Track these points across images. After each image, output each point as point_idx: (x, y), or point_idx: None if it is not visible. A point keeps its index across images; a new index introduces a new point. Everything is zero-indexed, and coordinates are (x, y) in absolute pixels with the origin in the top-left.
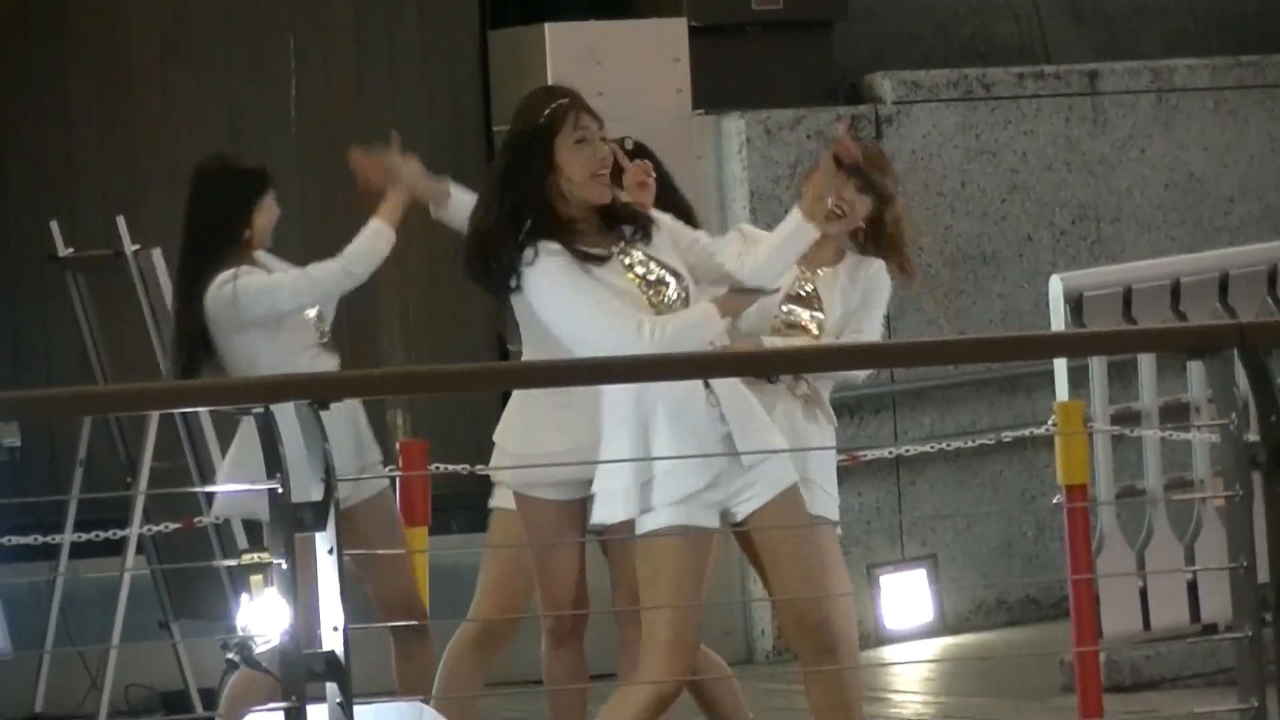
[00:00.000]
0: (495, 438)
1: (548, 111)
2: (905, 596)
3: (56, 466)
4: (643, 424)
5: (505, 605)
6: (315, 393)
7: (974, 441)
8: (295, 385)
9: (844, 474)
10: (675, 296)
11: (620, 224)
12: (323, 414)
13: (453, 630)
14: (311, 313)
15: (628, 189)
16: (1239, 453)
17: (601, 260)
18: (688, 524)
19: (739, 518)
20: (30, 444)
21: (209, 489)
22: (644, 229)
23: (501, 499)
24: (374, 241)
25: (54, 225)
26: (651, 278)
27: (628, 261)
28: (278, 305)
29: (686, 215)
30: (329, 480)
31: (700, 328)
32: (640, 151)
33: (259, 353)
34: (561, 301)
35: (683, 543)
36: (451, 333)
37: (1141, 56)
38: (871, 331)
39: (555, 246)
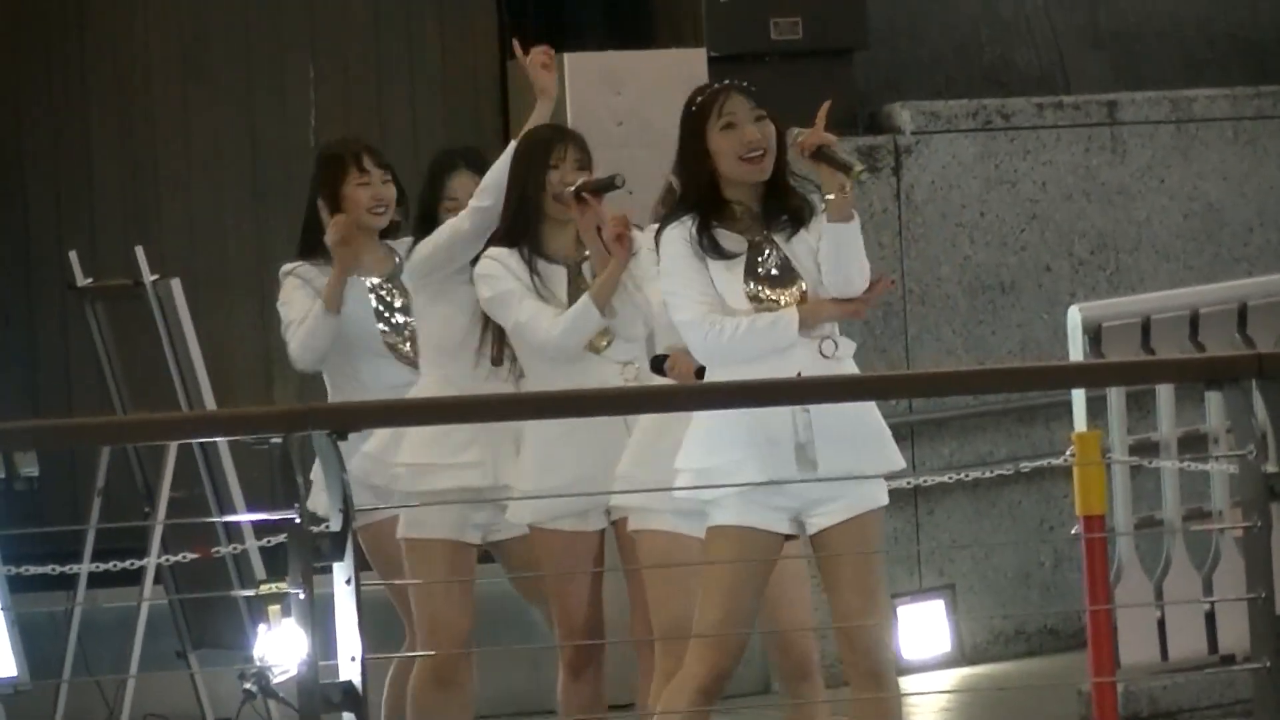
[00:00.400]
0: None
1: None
2: (923, 626)
3: (75, 496)
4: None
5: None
6: (335, 423)
7: (992, 472)
8: (315, 415)
9: None
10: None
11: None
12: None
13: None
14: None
15: (595, 239)
16: (1257, 483)
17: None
18: (748, 524)
19: (810, 531)
20: (49, 473)
21: (227, 519)
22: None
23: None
24: None
25: (73, 255)
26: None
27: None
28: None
29: None
30: (347, 510)
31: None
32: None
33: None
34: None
35: (739, 540)
36: None
37: (1161, 86)
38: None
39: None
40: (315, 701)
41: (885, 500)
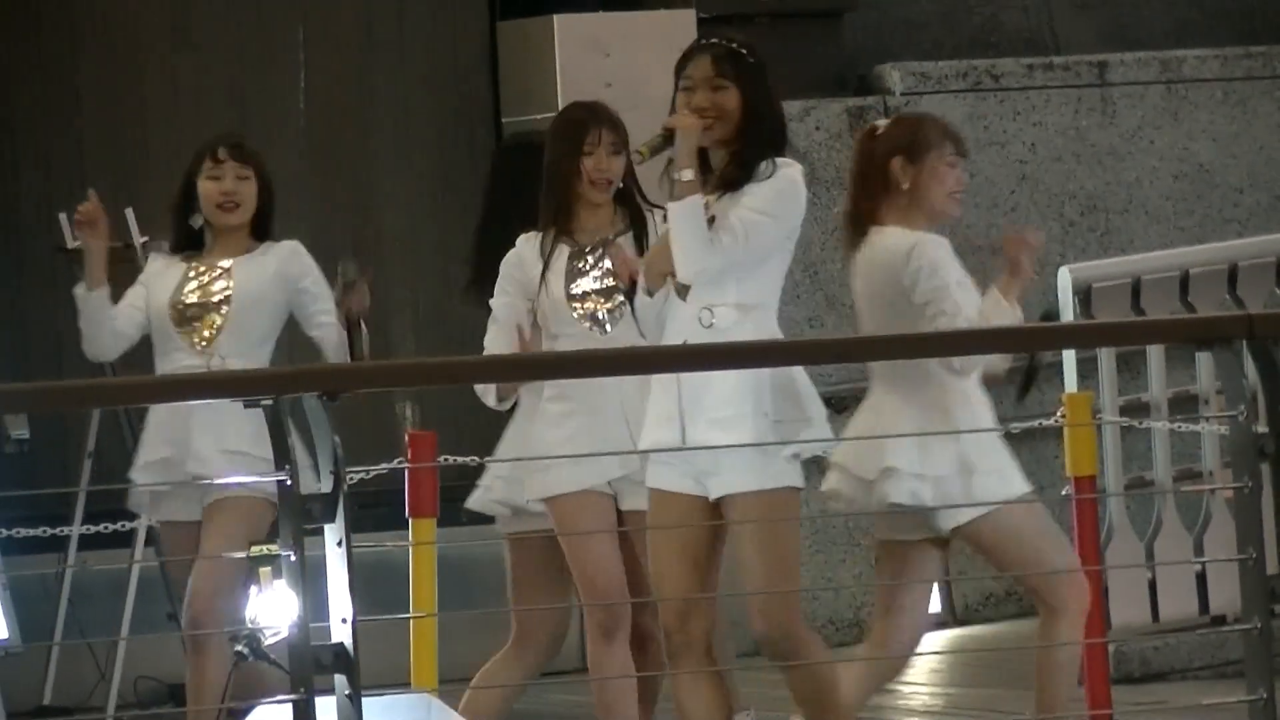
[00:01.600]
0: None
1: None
2: None
3: (65, 458)
4: None
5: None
6: (326, 384)
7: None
8: (307, 377)
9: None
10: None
11: None
12: None
13: (457, 623)
14: None
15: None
16: (1247, 444)
17: None
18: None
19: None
20: (39, 435)
21: (218, 481)
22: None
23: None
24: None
25: (62, 217)
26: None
27: None
28: None
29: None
30: (338, 472)
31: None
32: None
33: None
34: None
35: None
36: (459, 326)
37: (1150, 47)
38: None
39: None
40: (307, 664)
41: (787, 480)
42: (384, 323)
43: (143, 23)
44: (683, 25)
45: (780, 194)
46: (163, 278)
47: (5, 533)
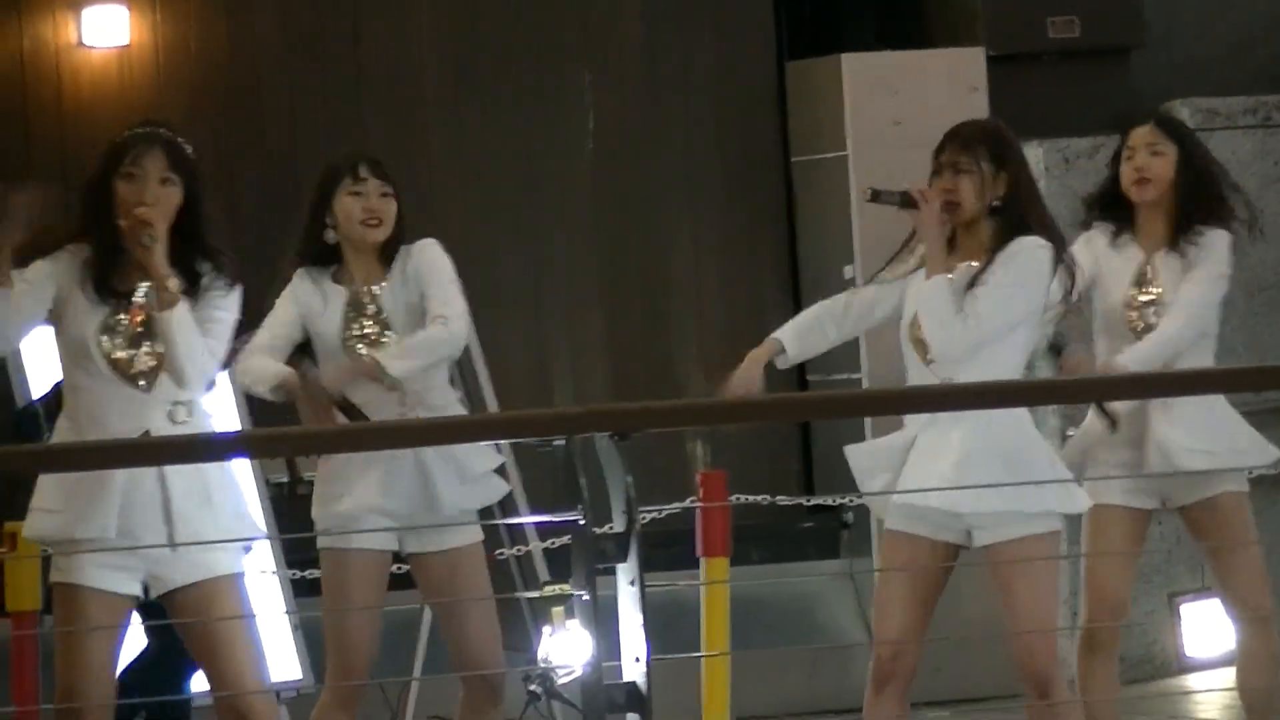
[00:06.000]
0: None
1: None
2: (1206, 625)
3: None
4: None
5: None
6: (618, 425)
7: (1252, 473)
8: (599, 417)
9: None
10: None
11: None
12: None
13: (749, 661)
14: None
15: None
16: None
17: None
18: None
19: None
20: None
21: (510, 521)
22: None
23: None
24: None
25: None
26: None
27: None
28: None
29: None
30: (630, 512)
31: None
32: None
33: None
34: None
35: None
36: None
37: None
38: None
39: None
40: (600, 703)
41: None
42: (672, 362)
43: (427, 71)
44: (971, 63)
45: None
46: (323, 307)
47: (299, 574)
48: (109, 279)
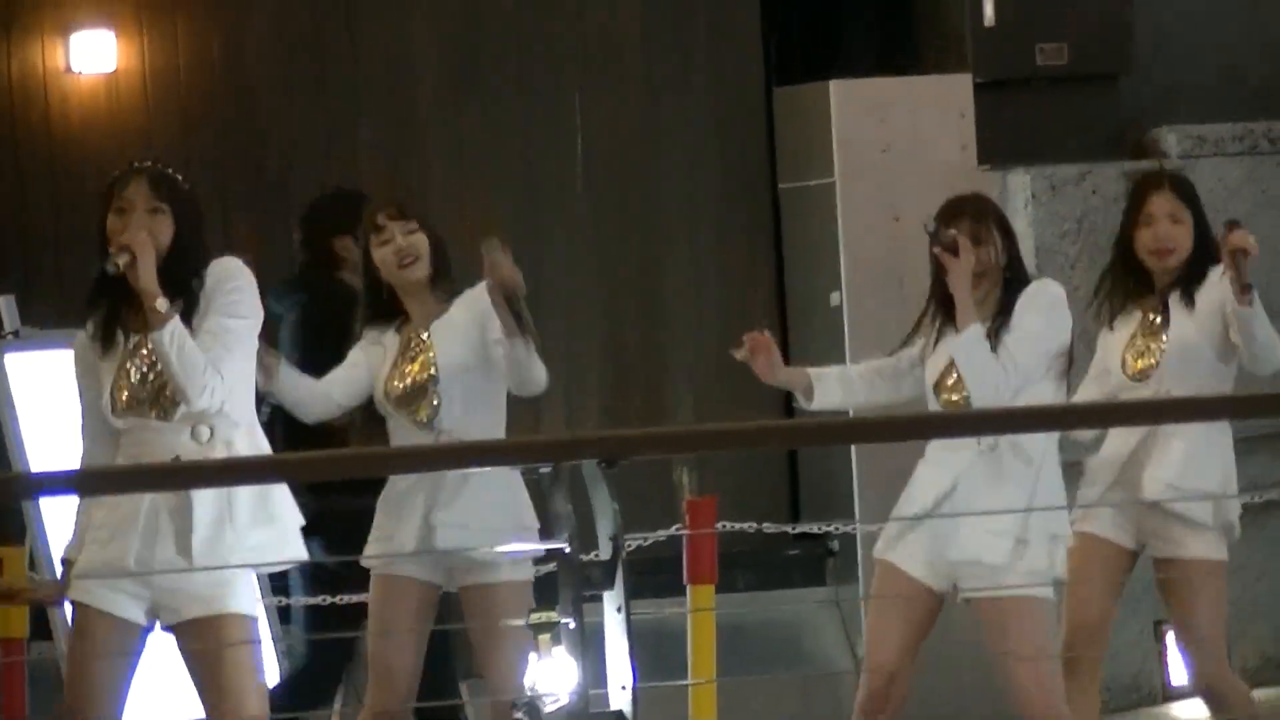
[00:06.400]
0: None
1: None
2: None
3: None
4: None
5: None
6: (604, 451)
7: (1260, 498)
8: (585, 444)
9: None
10: None
11: None
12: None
13: (736, 688)
14: None
15: None
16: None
17: None
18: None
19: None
20: None
21: (498, 549)
22: None
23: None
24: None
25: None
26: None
27: None
28: None
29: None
30: (617, 539)
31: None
32: None
33: None
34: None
35: None
36: (739, 388)
37: None
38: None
39: None
40: None
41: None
42: (663, 386)
43: (424, 86)
44: (959, 89)
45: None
46: (376, 355)
47: (285, 601)
48: (116, 327)
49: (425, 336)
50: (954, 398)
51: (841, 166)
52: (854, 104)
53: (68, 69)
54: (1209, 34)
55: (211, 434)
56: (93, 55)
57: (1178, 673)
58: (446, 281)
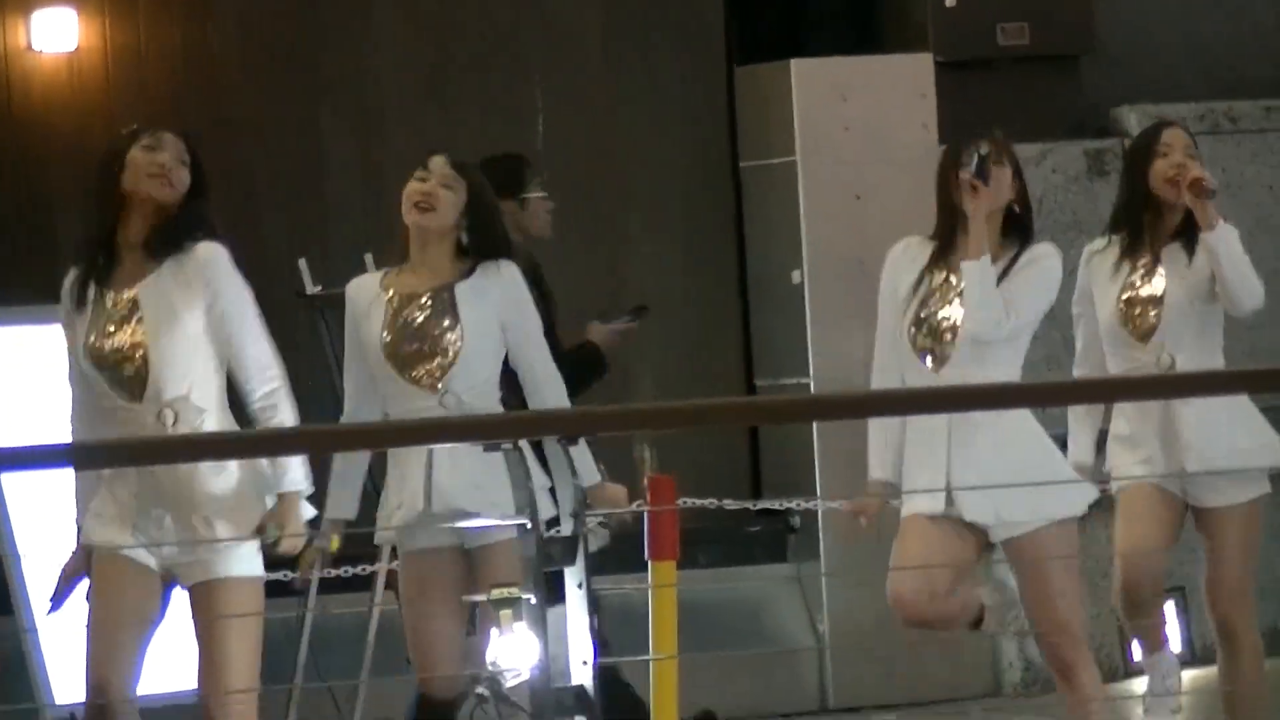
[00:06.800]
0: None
1: None
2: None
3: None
4: None
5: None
6: (565, 428)
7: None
8: (545, 421)
9: (1092, 506)
10: None
11: None
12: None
13: (697, 664)
14: None
15: None
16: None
17: None
18: None
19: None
20: None
21: (459, 524)
22: None
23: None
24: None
25: (303, 263)
26: None
27: None
28: None
29: None
30: (578, 515)
31: None
32: None
33: None
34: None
35: None
36: (699, 366)
37: None
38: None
39: None
40: (549, 706)
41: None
42: (624, 364)
43: (385, 74)
44: (921, 69)
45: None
46: (369, 312)
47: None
48: (101, 281)
49: (448, 298)
50: (942, 314)
51: (803, 145)
52: (816, 83)
53: (29, 47)
54: (1170, 15)
55: (176, 419)
56: (54, 34)
57: (1138, 651)
58: (472, 254)
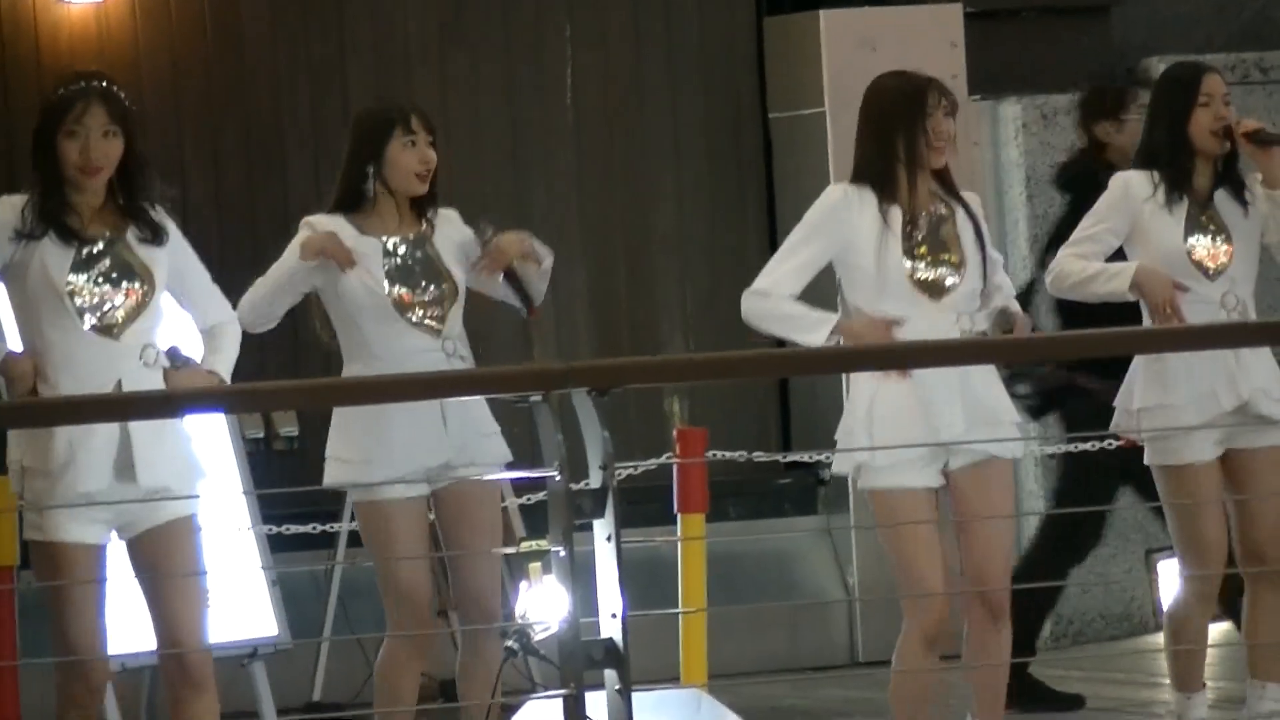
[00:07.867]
0: None
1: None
2: (1177, 581)
3: None
4: None
5: None
6: (595, 380)
7: None
8: (576, 373)
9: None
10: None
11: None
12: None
13: (726, 618)
14: None
15: None
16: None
17: None
18: None
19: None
20: (307, 432)
21: (487, 476)
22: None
23: None
24: None
25: None
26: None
27: None
28: None
29: None
30: (608, 467)
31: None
32: None
33: None
34: None
35: None
36: (729, 319)
37: None
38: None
39: None
40: (577, 659)
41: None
42: (653, 318)
43: (411, 22)
44: (950, 19)
45: None
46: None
47: (275, 529)
48: (65, 221)
49: (434, 248)
50: (932, 278)
51: (832, 96)
52: (845, 34)
53: None
54: None
55: (157, 356)
56: None
57: (1169, 601)
58: (427, 204)
